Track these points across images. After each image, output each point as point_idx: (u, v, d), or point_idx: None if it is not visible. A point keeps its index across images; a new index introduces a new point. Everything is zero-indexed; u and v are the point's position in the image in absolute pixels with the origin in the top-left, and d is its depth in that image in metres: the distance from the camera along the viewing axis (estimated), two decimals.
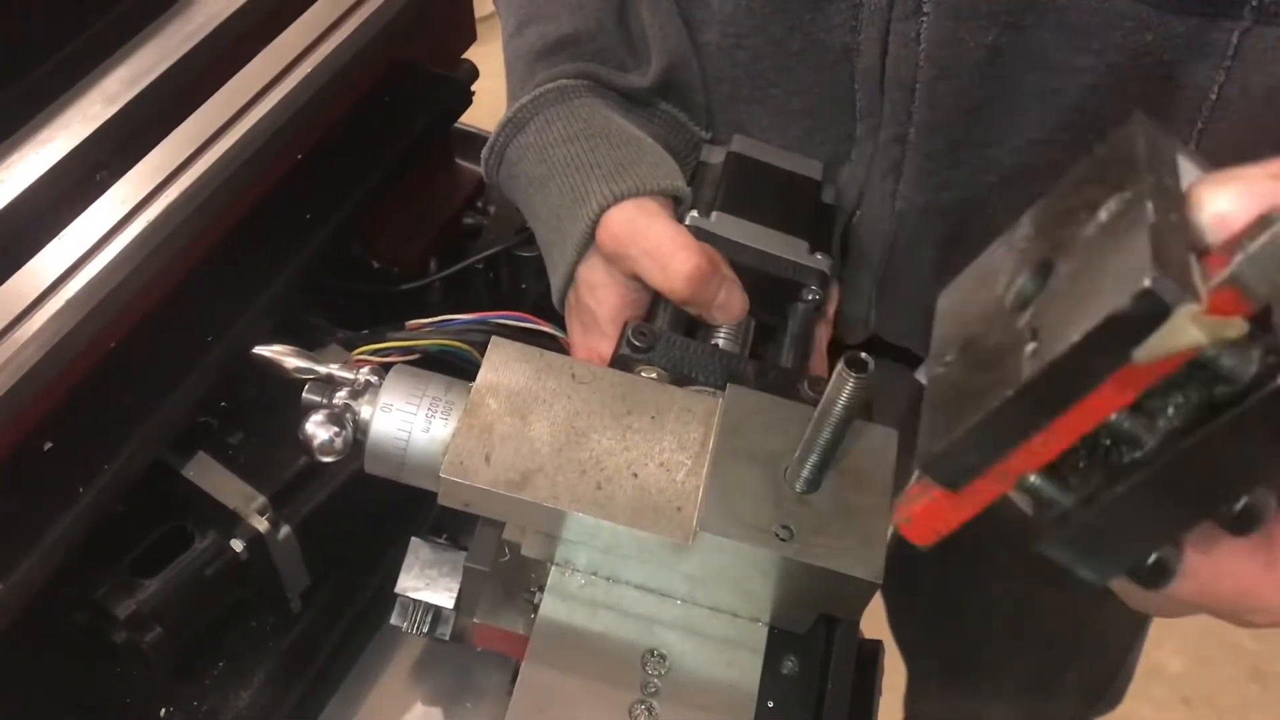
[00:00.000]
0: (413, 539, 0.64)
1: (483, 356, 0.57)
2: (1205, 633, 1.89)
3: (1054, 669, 1.25)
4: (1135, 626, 1.22)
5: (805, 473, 0.52)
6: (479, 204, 0.92)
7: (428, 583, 0.63)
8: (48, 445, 0.62)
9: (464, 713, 0.72)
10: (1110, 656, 1.25)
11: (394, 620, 0.65)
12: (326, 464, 0.69)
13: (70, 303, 0.63)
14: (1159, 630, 1.22)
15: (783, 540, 0.51)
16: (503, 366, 0.56)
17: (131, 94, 0.70)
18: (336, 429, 0.55)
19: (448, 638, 0.65)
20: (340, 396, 0.56)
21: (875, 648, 0.61)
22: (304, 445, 0.55)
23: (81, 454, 0.62)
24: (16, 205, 0.66)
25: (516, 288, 0.88)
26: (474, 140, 0.92)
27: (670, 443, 0.54)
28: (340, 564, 0.75)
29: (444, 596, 0.63)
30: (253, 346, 0.66)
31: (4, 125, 0.69)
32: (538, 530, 0.55)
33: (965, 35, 0.64)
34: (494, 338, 0.57)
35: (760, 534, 0.51)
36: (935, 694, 1.39)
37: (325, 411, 0.55)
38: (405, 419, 0.54)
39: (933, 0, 0.64)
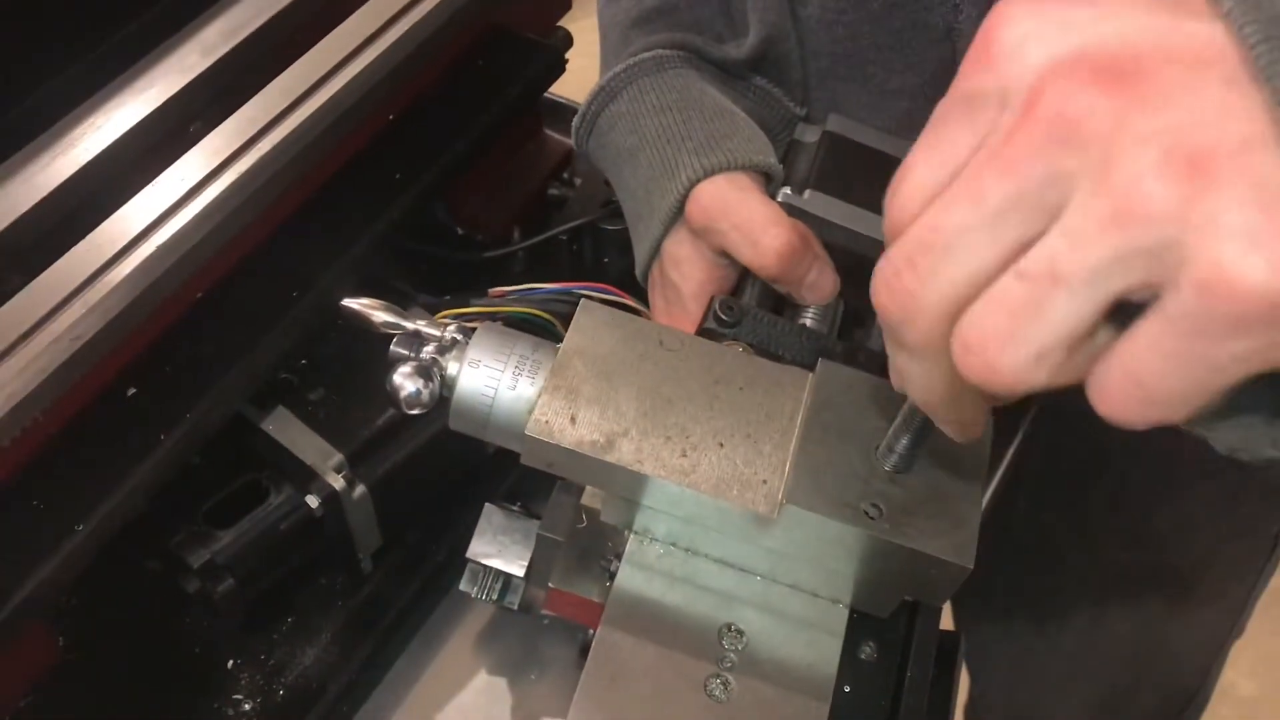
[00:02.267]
0: (486, 505, 0.64)
1: (565, 327, 0.56)
2: None
3: (1127, 687, 1.22)
4: (1215, 646, 1.18)
5: (897, 453, 0.51)
6: (565, 175, 0.91)
7: (499, 549, 0.63)
8: (131, 391, 0.62)
9: (528, 684, 0.72)
10: (1187, 678, 1.21)
11: (463, 586, 0.64)
12: (404, 426, 0.70)
13: (158, 251, 0.62)
14: (1233, 649, 1.19)
15: (871, 519, 0.50)
16: (591, 329, 0.55)
17: (228, 46, 0.70)
18: (424, 381, 0.54)
19: (516, 607, 0.65)
20: (428, 351, 0.56)
21: (955, 640, 0.59)
22: (390, 397, 0.54)
23: (164, 402, 0.62)
24: (110, 153, 0.66)
25: (599, 261, 0.87)
26: (563, 111, 0.92)
27: (758, 414, 0.53)
28: (412, 526, 0.75)
29: (515, 565, 0.63)
30: (338, 303, 0.66)
31: (102, 74, 0.69)
32: (619, 496, 0.54)
33: None
34: (583, 300, 0.56)
35: (848, 510, 0.50)
36: (998, 703, 1.37)
37: (413, 364, 0.54)
38: (492, 376, 0.54)
39: None
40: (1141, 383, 0.35)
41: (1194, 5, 0.35)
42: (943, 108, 0.39)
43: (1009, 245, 0.36)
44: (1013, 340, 0.36)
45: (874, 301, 0.40)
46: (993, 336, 0.36)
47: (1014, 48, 0.36)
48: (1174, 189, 0.32)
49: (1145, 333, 0.34)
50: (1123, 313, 0.35)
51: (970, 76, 0.38)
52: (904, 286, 0.38)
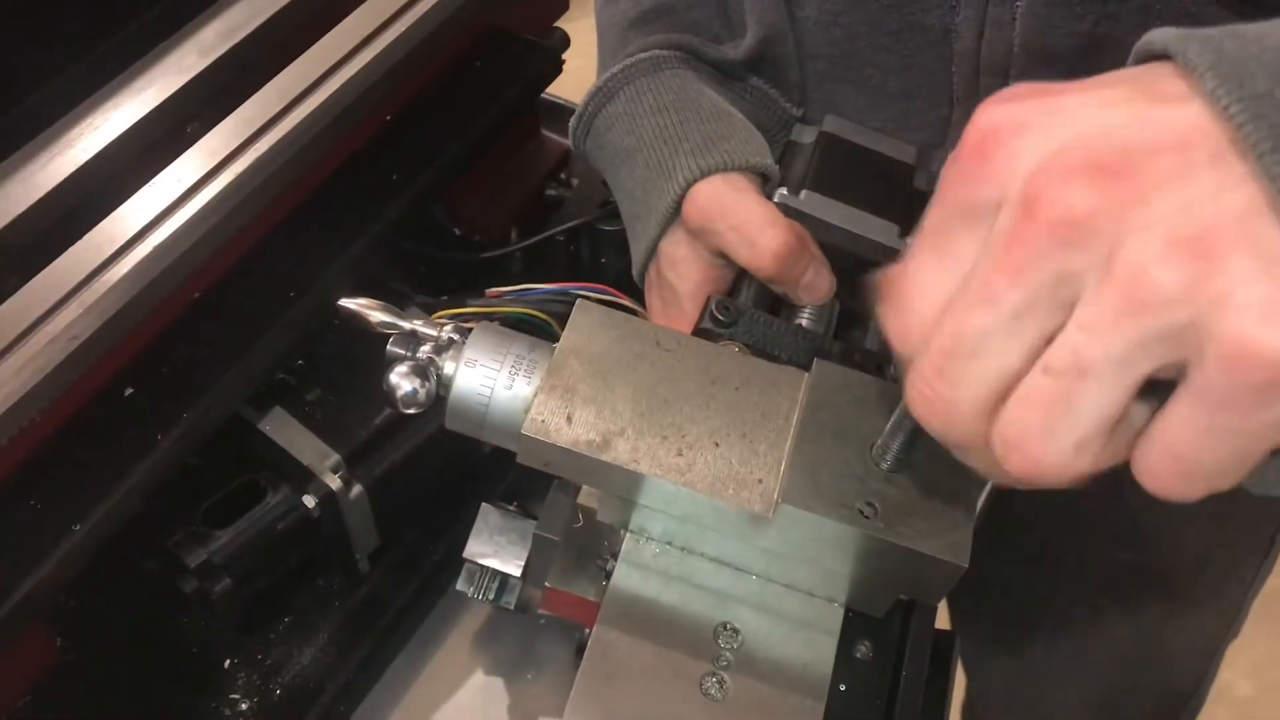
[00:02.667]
0: (483, 505, 0.64)
1: (561, 327, 0.56)
2: (1278, 658, 1.85)
3: (1123, 688, 1.22)
4: (1211, 648, 1.18)
5: (893, 452, 0.51)
6: (562, 176, 0.92)
7: (496, 549, 0.63)
8: (128, 391, 0.63)
9: (525, 683, 0.72)
10: (1183, 679, 1.21)
11: (460, 586, 0.65)
12: (400, 427, 0.70)
13: (156, 252, 0.63)
14: (1229, 650, 1.19)
15: (867, 517, 0.50)
16: (587, 329, 0.55)
17: (225, 47, 0.70)
18: (420, 381, 0.54)
19: (512, 607, 0.65)
20: (424, 351, 0.56)
21: (951, 639, 0.59)
22: (387, 396, 0.54)
23: (161, 402, 0.62)
24: (108, 153, 0.66)
25: (596, 262, 0.87)
26: (560, 111, 0.92)
27: (754, 414, 0.53)
28: (409, 527, 0.75)
29: (512, 564, 0.63)
30: (335, 304, 0.66)
31: (99, 75, 0.69)
32: (615, 495, 0.54)
33: (1059, 22, 0.63)
34: (580, 300, 0.56)
35: (844, 510, 0.50)
36: (994, 703, 1.37)
37: (410, 364, 0.55)
38: (489, 375, 0.54)
39: None
40: (1182, 457, 0.36)
41: (1169, 89, 0.36)
42: (940, 218, 0.40)
43: (1031, 342, 0.37)
44: (1051, 435, 0.37)
45: (914, 414, 0.41)
46: (1031, 433, 0.37)
47: (1008, 153, 0.37)
48: (1181, 272, 0.33)
49: (1177, 412, 0.36)
50: (1155, 388, 0.36)
51: (966, 185, 0.39)
52: (939, 395, 0.39)
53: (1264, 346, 0.32)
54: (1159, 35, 0.38)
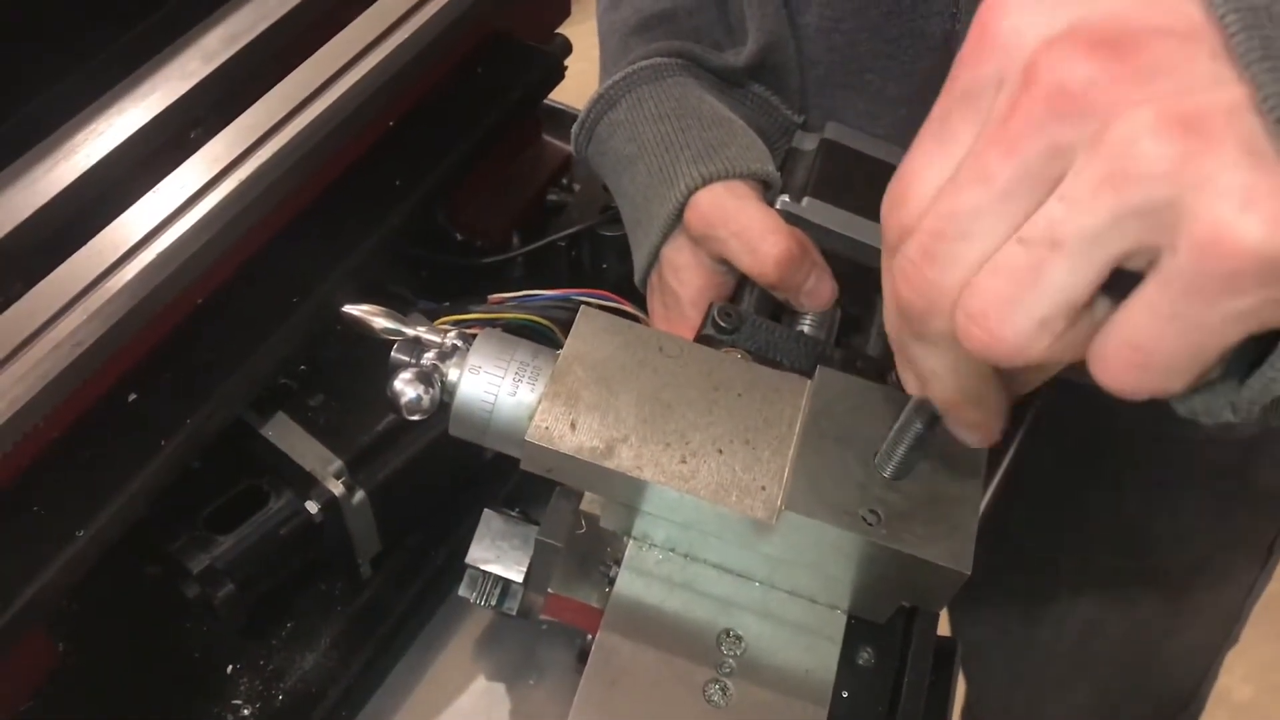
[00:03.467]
0: (485, 510, 0.64)
1: (564, 333, 0.56)
2: (1276, 663, 1.85)
3: (1122, 693, 1.22)
4: (1210, 654, 1.19)
5: (895, 459, 0.51)
6: (564, 181, 0.92)
7: (498, 555, 0.63)
8: (132, 397, 0.63)
9: (527, 689, 0.72)
10: (1182, 685, 1.22)
11: (462, 591, 0.64)
12: (403, 432, 0.70)
13: (159, 258, 0.63)
14: (1229, 655, 1.19)
15: (870, 524, 0.50)
16: (591, 336, 0.55)
17: (229, 52, 0.70)
18: (425, 387, 0.54)
19: (514, 612, 0.65)
20: (428, 357, 0.56)
21: (952, 646, 0.60)
22: (391, 402, 0.54)
23: (164, 407, 0.63)
24: (112, 159, 0.66)
25: (598, 267, 0.87)
26: (562, 117, 0.92)
27: (757, 421, 0.54)
28: (411, 532, 0.75)
29: (514, 570, 0.63)
30: (338, 310, 0.66)
31: (103, 81, 0.69)
32: (618, 501, 0.54)
33: None
34: (583, 307, 0.57)
35: (847, 516, 0.50)
36: (994, 708, 1.37)
37: (414, 370, 0.55)
38: (492, 382, 0.54)
39: None
40: (1139, 347, 0.35)
41: None
42: (943, 105, 0.40)
43: (1019, 220, 0.36)
44: (1015, 307, 0.36)
45: (895, 297, 0.40)
46: (994, 304, 0.37)
47: (1009, 34, 0.37)
48: (1168, 149, 0.33)
49: (1143, 297, 0.35)
50: (1121, 287, 0.36)
51: (968, 68, 0.38)
52: (925, 277, 0.38)
53: (1239, 234, 0.32)
54: None
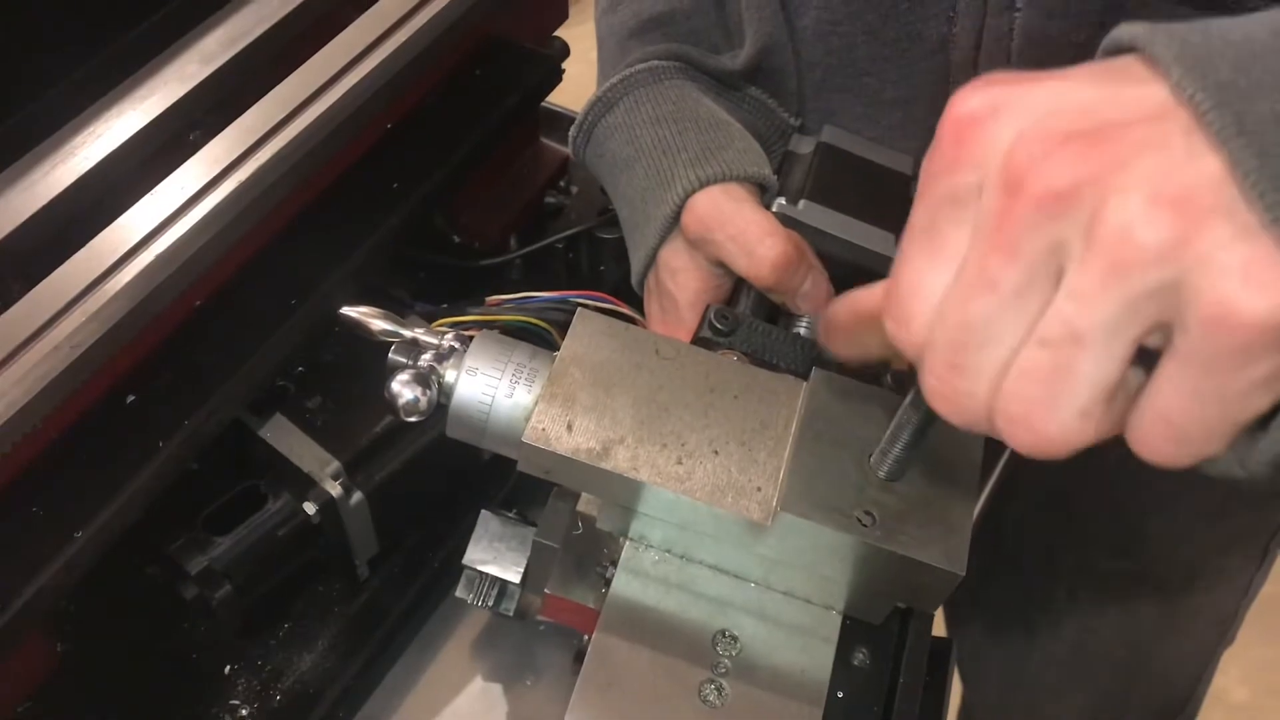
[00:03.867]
0: (483, 511, 0.64)
1: (561, 335, 0.57)
2: (1273, 664, 1.85)
3: (1118, 695, 1.22)
4: (1205, 657, 1.19)
5: (890, 460, 0.51)
6: (561, 184, 0.92)
7: (495, 556, 0.63)
8: (130, 398, 0.63)
9: (523, 690, 0.72)
10: (1178, 686, 1.22)
11: (459, 592, 0.65)
12: (400, 434, 0.70)
13: (158, 259, 0.63)
14: (1224, 656, 1.19)
15: (865, 526, 0.50)
16: (587, 338, 0.55)
17: (228, 55, 0.71)
18: (422, 389, 0.55)
19: (511, 613, 0.65)
20: (426, 359, 0.56)
21: (947, 646, 0.60)
22: (389, 404, 0.55)
23: (163, 409, 0.63)
24: (111, 160, 0.66)
25: (595, 269, 0.88)
26: (559, 119, 0.92)
27: (753, 422, 0.54)
28: (409, 533, 0.75)
29: (511, 571, 0.63)
30: (336, 311, 0.66)
31: (102, 82, 0.69)
32: (615, 503, 0.54)
33: (1056, 33, 0.64)
34: (580, 309, 0.57)
35: (842, 518, 0.50)
36: (990, 710, 1.37)
37: (411, 372, 0.55)
38: (490, 384, 0.54)
39: None
40: (1171, 422, 0.37)
41: (1135, 73, 0.37)
42: (925, 214, 0.40)
43: (1033, 317, 0.37)
44: (1054, 406, 0.37)
45: (934, 409, 0.41)
46: (1034, 407, 0.38)
47: (984, 135, 0.38)
48: (1162, 233, 0.34)
49: (1165, 374, 0.36)
50: (1147, 357, 0.37)
51: (946, 176, 0.39)
52: (957, 390, 0.40)
53: (1244, 308, 0.33)
54: (1126, 30, 0.38)
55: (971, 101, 0.39)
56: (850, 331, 0.48)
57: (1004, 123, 0.37)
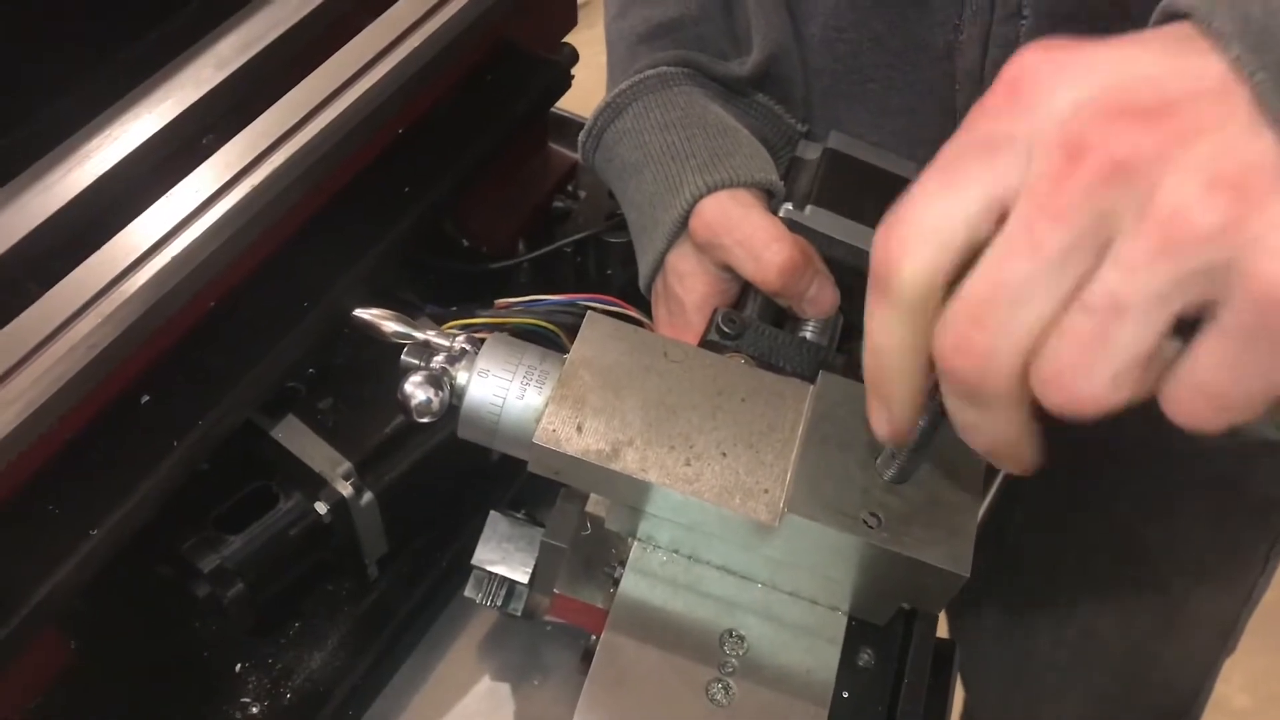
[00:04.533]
0: (491, 512, 0.65)
1: (569, 338, 0.57)
2: (1274, 671, 1.85)
3: (1120, 702, 1.23)
4: (1207, 664, 1.19)
5: (896, 464, 0.52)
6: (570, 188, 0.93)
7: (504, 556, 0.64)
8: (145, 399, 0.64)
9: (531, 689, 0.73)
10: (1179, 693, 1.22)
11: (468, 592, 0.65)
12: (410, 435, 0.71)
13: (173, 262, 0.64)
14: (1226, 663, 1.20)
15: (871, 528, 0.51)
16: (597, 341, 0.56)
17: (242, 60, 0.72)
18: (435, 390, 0.55)
19: (519, 613, 0.66)
20: (438, 361, 0.57)
21: (951, 647, 0.60)
22: (401, 405, 0.55)
23: (177, 409, 0.63)
24: (126, 164, 0.67)
25: (603, 273, 0.88)
26: (568, 124, 0.93)
27: (760, 425, 0.55)
28: (418, 533, 0.76)
29: (519, 571, 0.64)
30: (348, 314, 0.67)
31: (119, 86, 0.70)
32: (624, 503, 0.55)
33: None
34: (590, 312, 0.58)
35: (848, 520, 0.51)
36: (991, 713, 1.38)
37: (424, 373, 0.56)
38: (501, 385, 0.55)
39: (1031, 4, 0.64)
40: (1210, 392, 0.37)
41: (1196, 44, 0.37)
42: (956, 148, 0.40)
43: (1071, 286, 0.38)
44: (1090, 370, 0.38)
45: (944, 366, 0.41)
46: (1070, 369, 0.38)
47: (1043, 94, 0.38)
48: (1217, 214, 0.34)
49: (1207, 347, 0.37)
50: (1184, 323, 0.37)
51: (993, 119, 0.39)
52: (977, 346, 0.39)
53: None
54: None
55: (1035, 58, 0.39)
56: None
57: (1066, 85, 0.38)
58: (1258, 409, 0.37)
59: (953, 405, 0.43)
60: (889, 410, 0.45)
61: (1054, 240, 0.37)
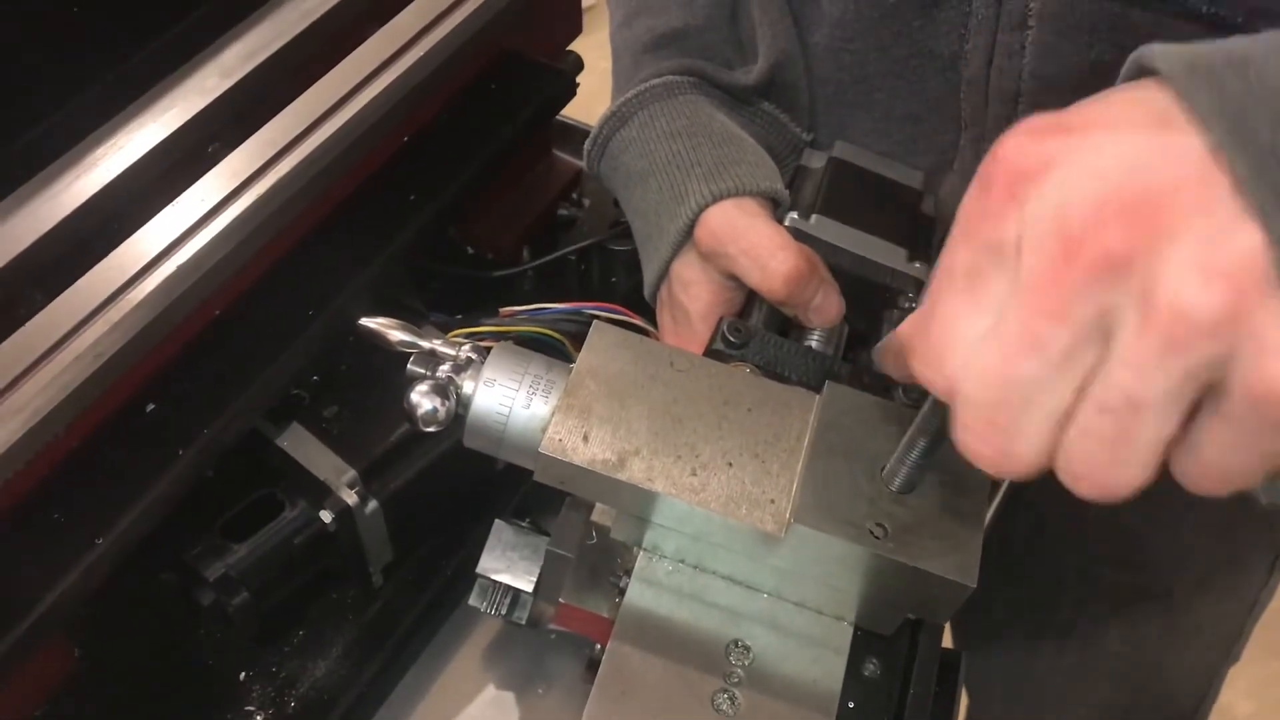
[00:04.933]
0: (496, 521, 0.65)
1: (574, 346, 0.57)
2: (1279, 678, 1.85)
3: (1124, 710, 1.22)
4: (1211, 673, 1.19)
5: (902, 474, 0.52)
6: (574, 196, 0.93)
7: (508, 565, 0.64)
8: (150, 407, 0.64)
9: (535, 698, 0.73)
10: (1183, 702, 1.22)
11: (472, 601, 0.66)
12: (415, 444, 0.71)
13: (179, 270, 0.64)
14: (1231, 670, 1.19)
15: (877, 538, 0.51)
16: (603, 350, 0.56)
17: (247, 69, 0.72)
18: (441, 399, 0.55)
19: (524, 622, 0.66)
20: (444, 370, 0.57)
21: (956, 657, 0.60)
22: (408, 414, 0.55)
23: (182, 417, 0.63)
24: (132, 172, 0.67)
25: (607, 281, 0.88)
26: (572, 132, 0.93)
27: (766, 435, 0.54)
28: (423, 542, 0.76)
29: (524, 580, 0.64)
30: (352, 322, 0.67)
31: (124, 94, 0.70)
32: (629, 513, 0.55)
33: (1068, 50, 0.64)
34: (596, 322, 0.58)
35: (854, 530, 0.51)
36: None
37: (430, 382, 0.56)
38: (507, 395, 0.55)
39: (1037, 14, 0.64)
40: (1215, 469, 0.39)
41: (1177, 120, 0.37)
42: (965, 257, 0.41)
43: (1080, 378, 0.39)
44: (1116, 464, 0.39)
45: (967, 454, 0.42)
46: (1098, 466, 0.40)
47: (1034, 194, 0.39)
48: (1216, 307, 0.35)
49: (1210, 433, 0.38)
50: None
51: (995, 223, 0.40)
52: (994, 446, 0.41)
53: None
54: (1159, 57, 0.39)
55: (1024, 152, 0.39)
56: (900, 359, 0.49)
57: (1056, 180, 0.38)
58: (1258, 480, 0.39)
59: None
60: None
61: (1057, 339, 0.38)
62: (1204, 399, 0.38)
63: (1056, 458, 0.40)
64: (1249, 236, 0.35)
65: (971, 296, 0.41)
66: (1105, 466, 0.39)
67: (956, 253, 0.42)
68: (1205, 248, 0.35)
